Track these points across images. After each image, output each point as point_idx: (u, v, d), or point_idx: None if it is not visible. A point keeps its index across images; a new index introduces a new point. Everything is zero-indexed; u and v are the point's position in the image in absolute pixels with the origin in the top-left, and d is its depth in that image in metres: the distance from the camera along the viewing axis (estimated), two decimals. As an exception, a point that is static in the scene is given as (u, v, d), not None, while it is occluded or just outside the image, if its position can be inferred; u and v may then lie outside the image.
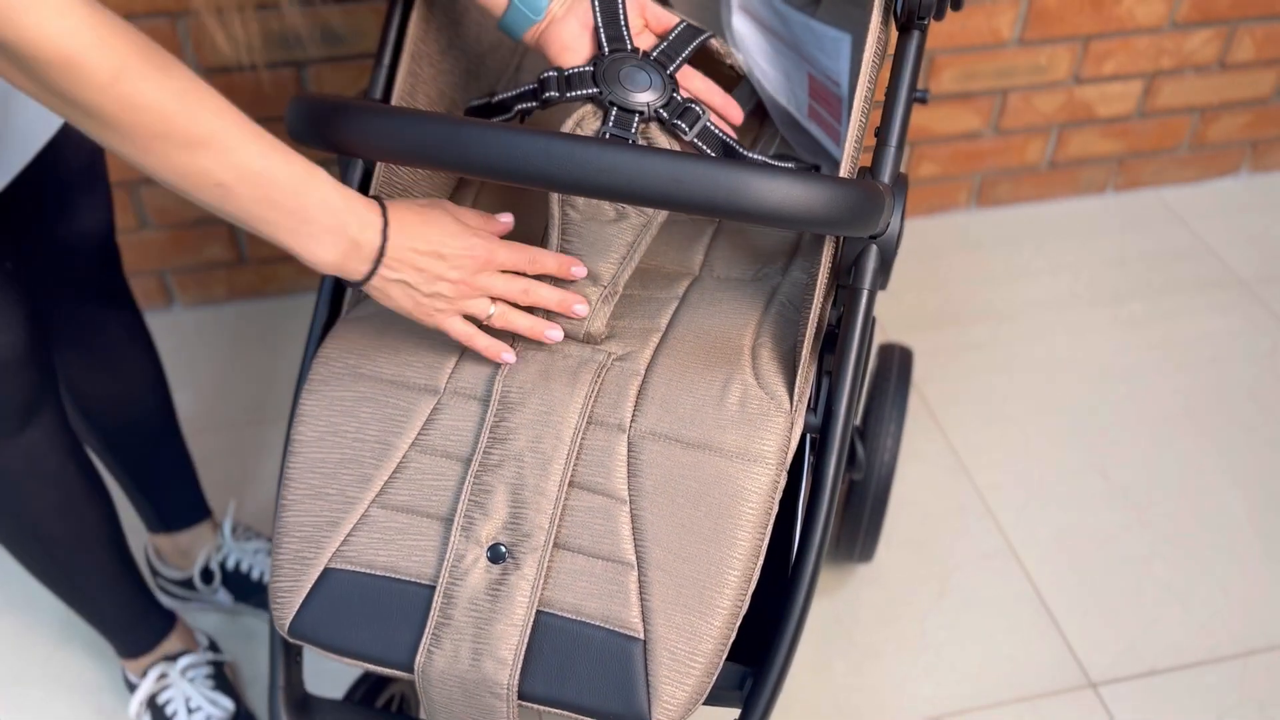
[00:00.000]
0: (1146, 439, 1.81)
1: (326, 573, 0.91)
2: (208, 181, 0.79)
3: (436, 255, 0.88)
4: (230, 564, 1.53)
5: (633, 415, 0.90)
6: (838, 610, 1.57)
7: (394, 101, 1.04)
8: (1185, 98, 2.18)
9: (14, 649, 1.54)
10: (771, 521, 0.89)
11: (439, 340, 0.95)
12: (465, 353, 0.95)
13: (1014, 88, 2.08)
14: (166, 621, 1.43)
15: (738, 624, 0.88)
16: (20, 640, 1.55)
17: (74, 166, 1.17)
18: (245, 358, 1.95)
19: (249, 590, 1.53)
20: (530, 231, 1.04)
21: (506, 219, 0.94)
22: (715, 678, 0.88)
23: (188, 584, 1.54)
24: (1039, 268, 2.12)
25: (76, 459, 1.20)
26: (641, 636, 0.86)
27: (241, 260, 2.00)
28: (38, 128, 1.07)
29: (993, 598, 1.59)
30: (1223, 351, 1.96)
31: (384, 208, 0.87)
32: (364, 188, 1.03)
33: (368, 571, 0.90)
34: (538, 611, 0.87)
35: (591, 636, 0.87)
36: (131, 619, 1.39)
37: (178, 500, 1.50)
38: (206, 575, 1.53)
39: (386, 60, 1.05)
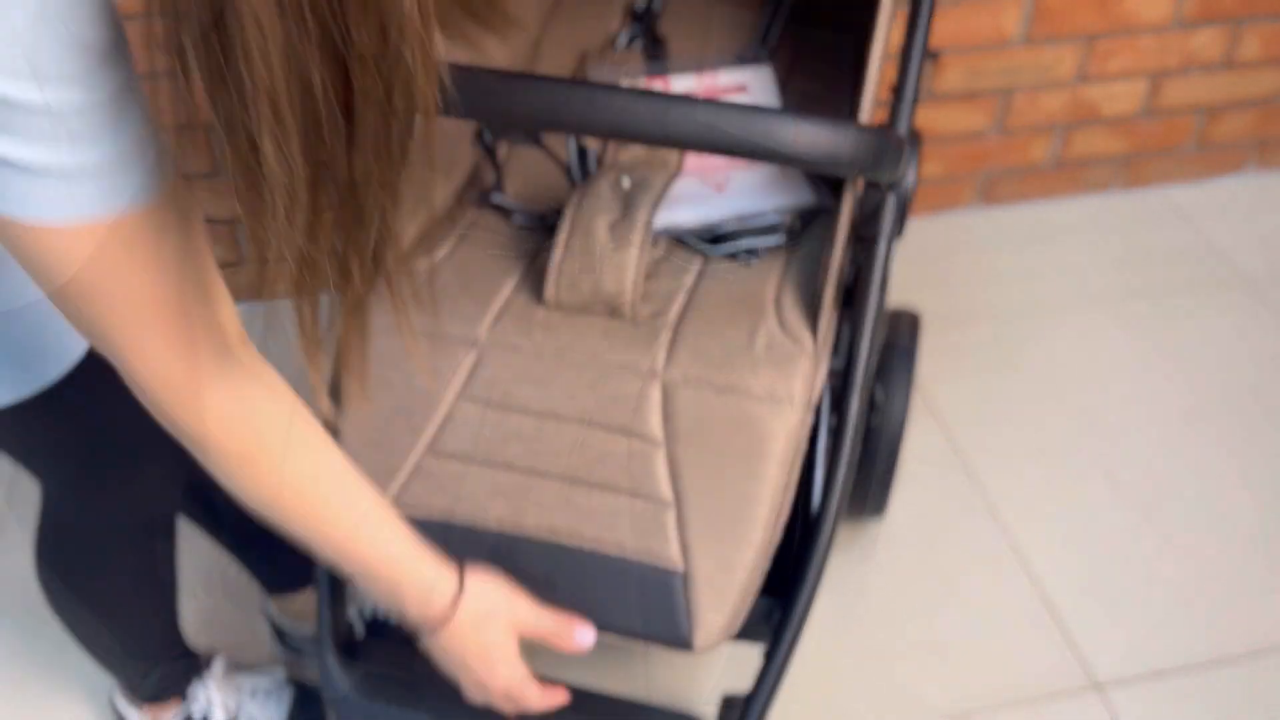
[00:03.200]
0: (1152, 440, 1.80)
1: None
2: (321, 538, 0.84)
3: (481, 667, 0.89)
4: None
5: (666, 362, 0.99)
6: (839, 610, 1.56)
7: None
8: (1191, 96, 2.17)
9: (14, 650, 1.54)
10: (799, 459, 0.97)
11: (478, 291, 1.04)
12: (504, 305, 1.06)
13: (1019, 86, 2.07)
14: (183, 684, 1.37)
15: (770, 554, 0.95)
16: (20, 641, 1.55)
17: None
18: (246, 358, 1.94)
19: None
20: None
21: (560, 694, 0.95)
22: (750, 604, 0.95)
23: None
24: (1044, 267, 2.11)
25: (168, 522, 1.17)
26: (682, 569, 0.93)
27: (242, 260, 2.00)
28: None
29: (997, 598, 1.58)
30: (1229, 351, 1.94)
31: (463, 580, 0.88)
32: None
33: (424, 519, 0.96)
34: (587, 551, 0.94)
35: (635, 571, 0.94)
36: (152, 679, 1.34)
37: (287, 561, 1.37)
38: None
39: None
